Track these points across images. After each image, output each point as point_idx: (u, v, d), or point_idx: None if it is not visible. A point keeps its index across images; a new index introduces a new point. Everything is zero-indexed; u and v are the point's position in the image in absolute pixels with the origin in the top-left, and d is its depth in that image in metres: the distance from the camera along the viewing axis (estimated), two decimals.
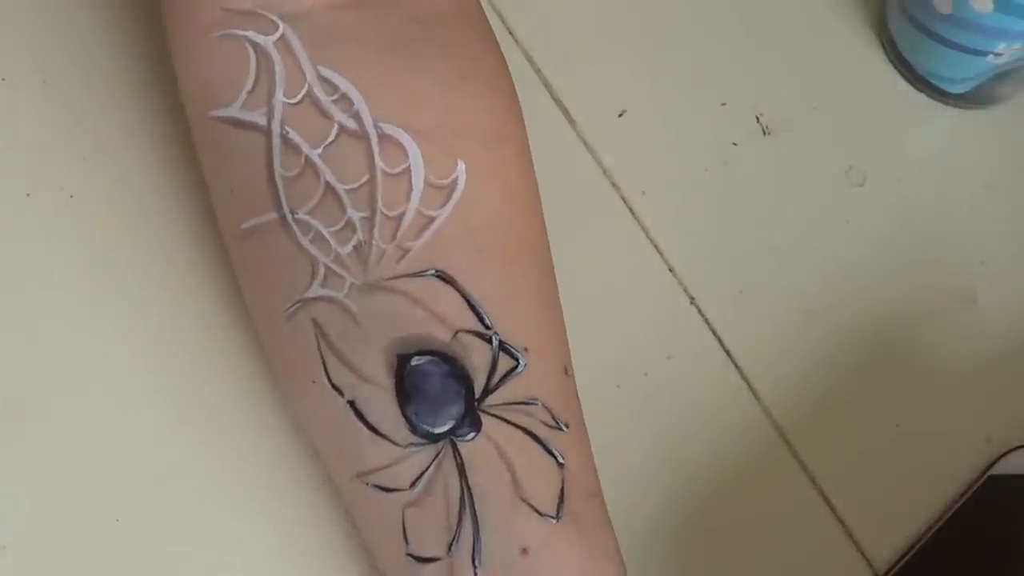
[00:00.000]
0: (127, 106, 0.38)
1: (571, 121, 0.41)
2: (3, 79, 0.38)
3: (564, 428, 0.32)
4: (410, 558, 0.31)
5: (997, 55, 0.39)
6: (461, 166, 0.32)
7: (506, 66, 0.35)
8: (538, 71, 0.41)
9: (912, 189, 0.42)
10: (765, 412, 0.39)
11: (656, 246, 0.40)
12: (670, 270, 0.40)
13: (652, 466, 0.38)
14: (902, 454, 0.39)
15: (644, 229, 0.40)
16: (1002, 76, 0.41)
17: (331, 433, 0.32)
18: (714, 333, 0.39)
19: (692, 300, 0.40)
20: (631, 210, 0.40)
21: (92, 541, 0.35)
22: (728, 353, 0.39)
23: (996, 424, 0.39)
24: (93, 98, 0.38)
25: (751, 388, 0.39)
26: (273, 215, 0.32)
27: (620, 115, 0.41)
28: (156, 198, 0.38)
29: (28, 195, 0.37)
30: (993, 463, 0.39)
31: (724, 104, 0.42)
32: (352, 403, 0.31)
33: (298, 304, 0.31)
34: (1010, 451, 0.39)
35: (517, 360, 0.31)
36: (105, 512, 0.35)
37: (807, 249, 0.41)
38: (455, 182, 0.31)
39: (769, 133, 0.42)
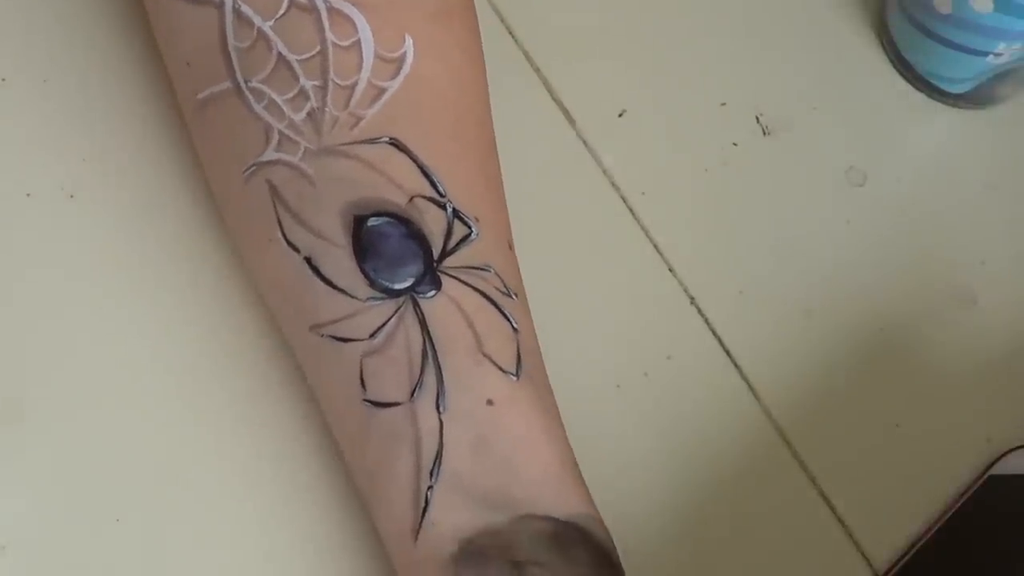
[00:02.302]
0: (127, 106, 0.38)
1: (571, 121, 0.41)
2: (3, 79, 0.38)
3: (514, 296, 0.33)
4: (367, 403, 0.31)
5: (997, 55, 0.39)
6: (409, 41, 0.33)
7: None
8: (538, 71, 0.41)
9: (912, 189, 0.42)
10: (765, 412, 0.39)
11: (656, 246, 0.40)
12: (670, 270, 0.40)
13: (652, 466, 0.38)
14: (902, 454, 0.39)
15: (644, 229, 0.40)
16: (1002, 76, 0.41)
17: (288, 290, 0.33)
18: (714, 333, 0.39)
19: (692, 300, 0.40)
20: (631, 210, 0.40)
21: (92, 541, 0.35)
22: (728, 353, 0.39)
23: (996, 424, 0.39)
24: (93, 98, 0.38)
25: (751, 388, 0.39)
26: (228, 84, 0.33)
27: (620, 115, 0.41)
28: (156, 198, 0.38)
29: (28, 195, 0.37)
30: (993, 463, 0.39)
31: (724, 104, 0.42)
32: (308, 259, 0.32)
33: (253, 168, 0.33)
34: (1010, 451, 0.39)
35: (470, 228, 0.32)
36: (105, 512, 0.35)
37: (807, 249, 0.41)
38: (403, 56, 0.33)
39: (769, 133, 0.42)
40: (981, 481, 0.38)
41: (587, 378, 0.38)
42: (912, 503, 0.38)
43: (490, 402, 0.31)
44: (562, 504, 0.31)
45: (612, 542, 0.32)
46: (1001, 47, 0.39)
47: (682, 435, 0.38)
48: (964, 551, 0.37)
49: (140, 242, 0.37)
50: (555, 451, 0.32)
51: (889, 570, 0.37)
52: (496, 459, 0.31)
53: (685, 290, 0.40)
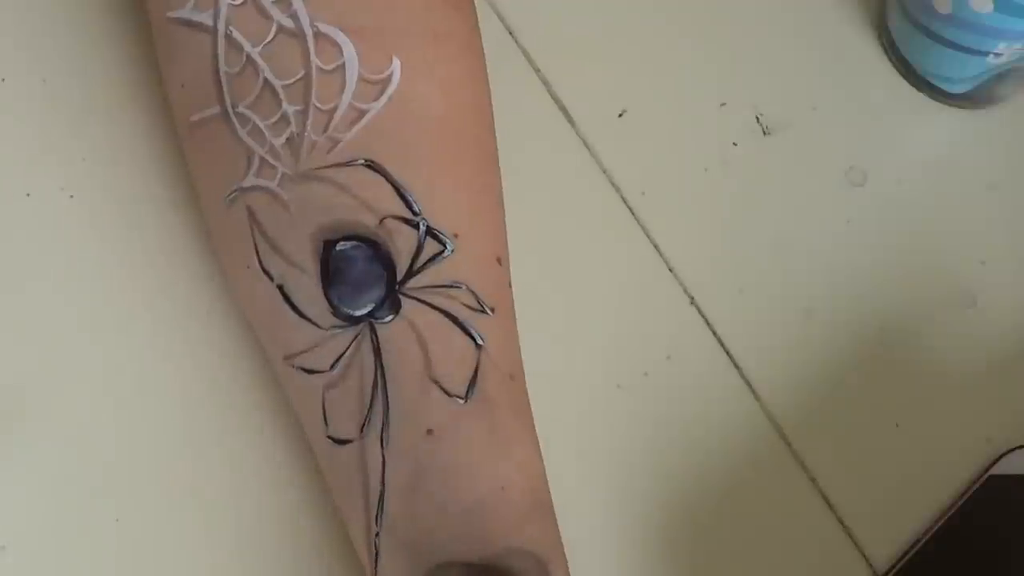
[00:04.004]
0: (127, 106, 0.38)
1: (571, 121, 0.41)
2: (3, 79, 0.38)
3: (489, 312, 0.32)
4: (330, 440, 0.31)
5: (997, 55, 0.39)
6: (396, 62, 0.32)
7: None
8: (538, 71, 0.41)
9: (912, 189, 0.42)
10: (765, 412, 0.39)
11: (656, 246, 0.40)
12: (670, 270, 0.40)
13: (652, 466, 0.38)
14: (902, 454, 0.39)
15: (644, 229, 0.40)
16: (1002, 76, 0.41)
17: (263, 317, 0.33)
18: (714, 333, 0.39)
19: (692, 300, 0.40)
20: (631, 210, 0.40)
21: (92, 541, 0.35)
22: (728, 353, 0.39)
23: (996, 424, 0.39)
24: (93, 98, 0.38)
25: (751, 388, 0.39)
26: (217, 109, 0.33)
27: (620, 115, 0.41)
28: (156, 198, 0.38)
29: (28, 195, 0.37)
30: (993, 463, 0.38)
31: (724, 104, 0.42)
32: (281, 287, 0.32)
33: (235, 193, 0.33)
34: (1010, 451, 0.39)
35: (444, 245, 0.32)
36: (105, 512, 0.35)
37: (807, 249, 0.41)
38: (389, 78, 0.32)
39: (769, 133, 0.42)
40: (981, 481, 0.38)
41: (587, 378, 0.38)
42: (912, 503, 0.38)
43: (430, 432, 0.31)
44: (489, 539, 0.30)
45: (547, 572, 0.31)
46: (1001, 47, 0.39)
47: (682, 435, 0.38)
48: (964, 551, 0.37)
49: (140, 242, 0.37)
50: (496, 478, 0.31)
51: (889, 570, 0.37)
52: (426, 496, 0.30)
53: (685, 290, 0.40)
